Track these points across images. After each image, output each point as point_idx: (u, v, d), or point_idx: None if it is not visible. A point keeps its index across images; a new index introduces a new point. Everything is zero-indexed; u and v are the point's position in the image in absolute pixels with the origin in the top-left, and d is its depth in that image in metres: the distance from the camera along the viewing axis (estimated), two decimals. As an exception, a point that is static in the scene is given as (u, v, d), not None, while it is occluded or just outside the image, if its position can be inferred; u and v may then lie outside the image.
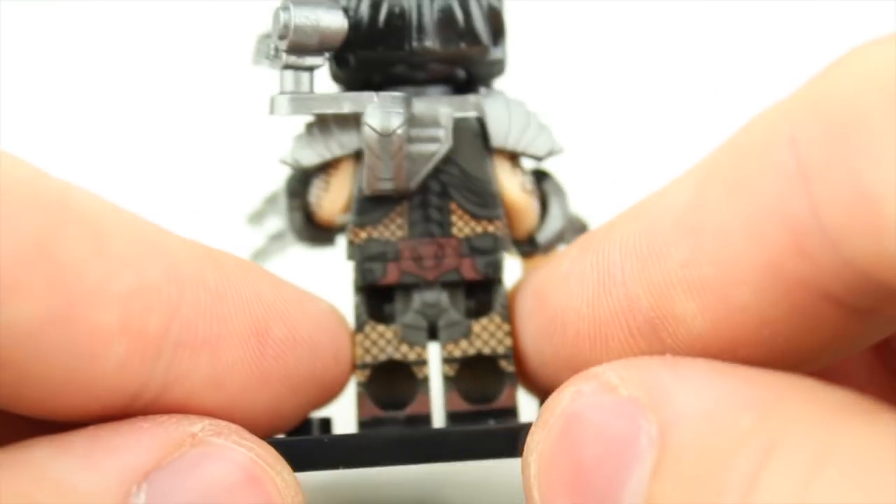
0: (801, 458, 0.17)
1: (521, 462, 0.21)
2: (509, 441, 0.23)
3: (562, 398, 0.21)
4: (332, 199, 0.26)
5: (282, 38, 0.24)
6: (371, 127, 0.24)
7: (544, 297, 0.24)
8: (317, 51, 0.24)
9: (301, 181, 0.26)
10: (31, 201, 0.19)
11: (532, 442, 0.21)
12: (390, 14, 0.25)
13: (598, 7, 0.48)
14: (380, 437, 0.23)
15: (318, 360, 0.24)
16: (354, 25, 0.25)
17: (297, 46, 0.24)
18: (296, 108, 0.24)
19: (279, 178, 0.27)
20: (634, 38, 0.48)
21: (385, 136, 0.24)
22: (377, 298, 0.26)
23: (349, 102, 0.25)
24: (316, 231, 0.27)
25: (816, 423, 0.18)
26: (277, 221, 0.29)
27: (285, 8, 0.24)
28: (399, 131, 0.24)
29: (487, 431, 0.24)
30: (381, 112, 0.24)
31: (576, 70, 0.47)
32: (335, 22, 0.24)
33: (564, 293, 0.23)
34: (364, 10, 0.25)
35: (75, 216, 0.20)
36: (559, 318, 0.23)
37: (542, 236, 0.27)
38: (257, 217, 0.31)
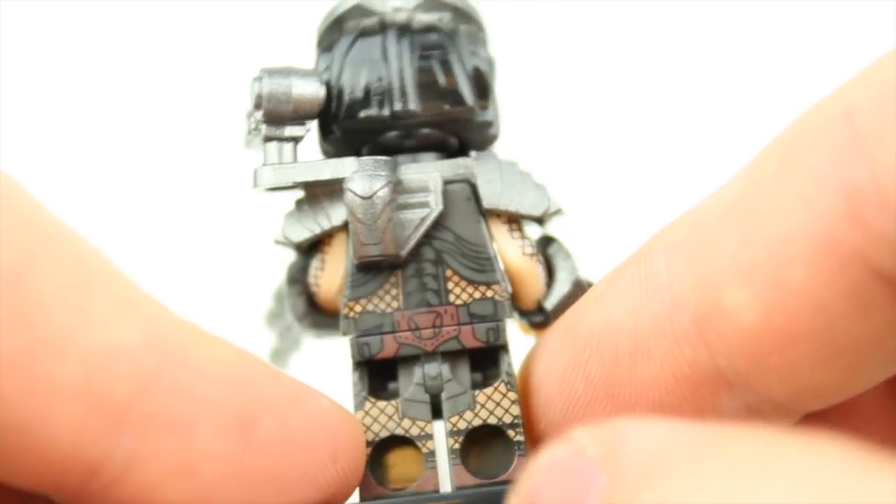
0: (727, 480, 0.16)
1: None
2: None
3: (540, 459, 0.20)
4: (328, 276, 0.25)
5: (257, 107, 0.24)
6: (352, 191, 0.23)
7: (576, 325, 0.23)
8: (294, 119, 0.24)
9: (301, 268, 0.26)
10: (15, 226, 0.18)
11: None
12: (370, 79, 0.24)
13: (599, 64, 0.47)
14: None
15: (312, 460, 0.22)
16: (337, 95, 0.24)
17: (272, 115, 0.24)
18: (277, 178, 0.24)
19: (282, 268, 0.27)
20: (638, 94, 0.47)
21: (366, 198, 0.23)
22: (379, 376, 0.24)
23: (331, 168, 0.24)
24: (320, 317, 0.26)
25: (748, 450, 0.17)
26: (289, 316, 0.28)
27: (259, 78, 0.24)
28: (381, 193, 0.23)
29: (492, 494, 0.22)
30: (362, 175, 0.23)
31: (580, 128, 0.46)
32: (309, 88, 0.24)
33: (600, 312, 0.22)
34: (345, 78, 0.24)
35: (57, 255, 0.19)
36: (594, 339, 0.22)
37: (550, 302, 0.25)
38: (273, 317, 0.30)
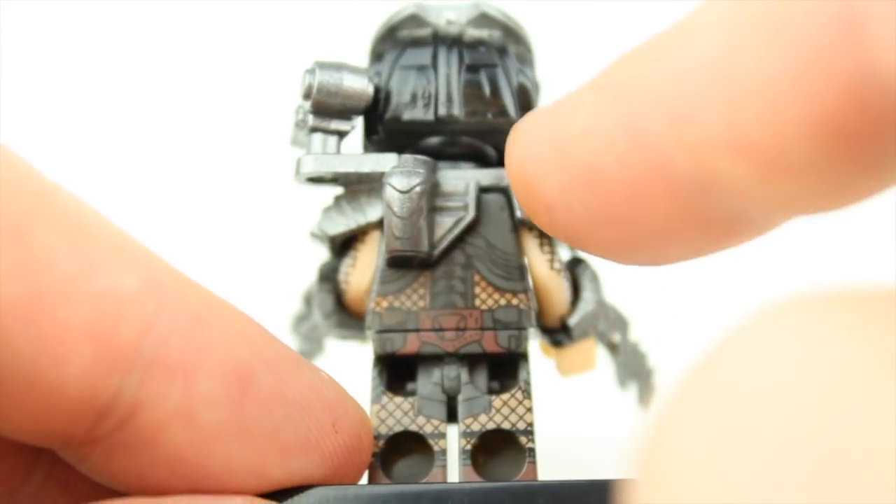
0: None
1: None
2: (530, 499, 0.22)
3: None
4: (359, 274, 0.26)
5: (306, 97, 0.25)
6: (391, 185, 0.24)
7: (563, 153, 0.21)
8: (341, 113, 0.25)
9: (332, 266, 0.26)
10: (11, 184, 0.19)
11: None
12: (417, 84, 0.25)
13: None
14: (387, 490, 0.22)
15: (311, 425, 0.22)
16: (384, 96, 0.25)
17: (320, 106, 0.25)
18: (319, 167, 0.25)
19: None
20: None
21: (404, 193, 0.24)
22: (400, 375, 0.25)
23: (371, 162, 0.25)
24: (346, 317, 0.27)
25: None
26: (316, 317, 0.29)
27: (311, 69, 0.25)
28: (418, 189, 0.24)
29: (503, 489, 0.22)
30: (401, 171, 0.24)
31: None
32: (358, 83, 0.25)
33: (586, 151, 0.21)
34: (393, 81, 0.25)
35: (55, 209, 0.19)
36: (586, 178, 0.21)
37: (574, 319, 0.26)
38: (300, 320, 0.31)
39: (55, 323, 0.19)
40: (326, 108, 0.25)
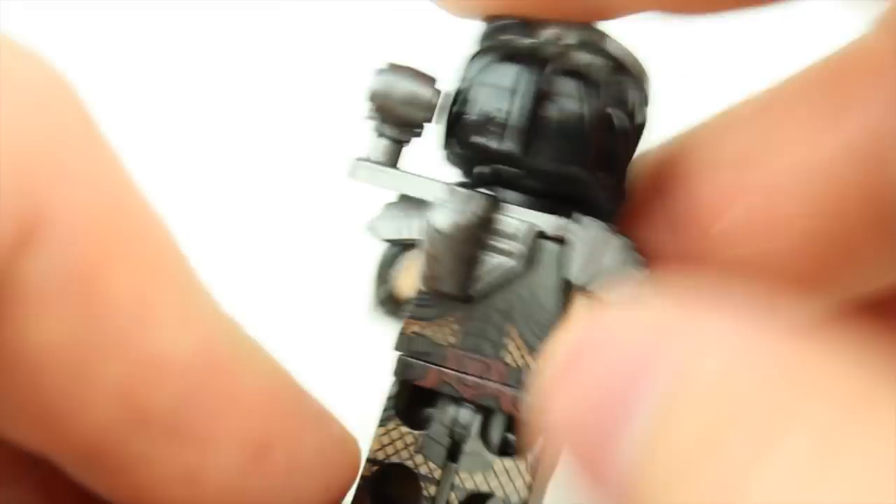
0: (811, 445, 0.14)
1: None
2: None
3: (566, 335, 0.18)
4: (408, 281, 0.24)
5: (370, 100, 0.23)
6: (431, 221, 0.22)
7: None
8: (401, 120, 0.23)
9: (389, 261, 0.25)
10: (101, 214, 0.18)
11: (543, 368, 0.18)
12: (492, 107, 0.22)
13: None
14: None
15: (310, 489, 0.21)
16: (458, 106, 0.23)
17: (380, 111, 0.23)
18: (365, 177, 0.23)
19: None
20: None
21: (442, 233, 0.22)
22: (419, 401, 0.24)
23: (420, 188, 0.23)
24: (398, 308, 0.25)
25: (840, 404, 0.15)
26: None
27: (378, 71, 0.23)
28: (459, 232, 0.22)
29: None
30: (447, 208, 0.22)
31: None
32: (422, 93, 0.23)
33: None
34: (471, 94, 0.23)
35: (135, 251, 0.18)
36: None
37: None
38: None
39: (93, 377, 0.18)
40: (385, 113, 0.23)
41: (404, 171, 0.23)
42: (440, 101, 0.23)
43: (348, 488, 0.22)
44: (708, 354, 0.16)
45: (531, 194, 0.23)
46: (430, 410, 0.23)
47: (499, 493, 0.22)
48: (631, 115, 0.23)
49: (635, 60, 0.23)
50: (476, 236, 0.22)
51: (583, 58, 0.23)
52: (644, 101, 0.23)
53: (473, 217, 0.22)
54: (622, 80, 0.23)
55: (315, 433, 0.21)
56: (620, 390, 0.16)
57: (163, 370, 0.18)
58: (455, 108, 0.23)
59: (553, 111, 0.22)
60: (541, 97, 0.22)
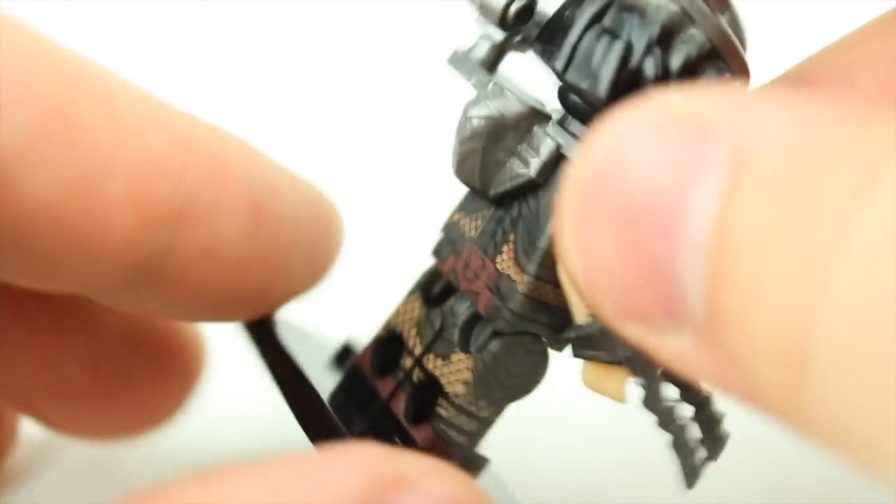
0: None
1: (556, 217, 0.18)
2: None
3: (609, 124, 0.16)
4: None
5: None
6: (463, 110, 0.23)
7: None
8: (500, 23, 0.23)
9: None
10: (48, 73, 0.20)
11: (569, 182, 0.17)
12: (589, 46, 0.22)
13: None
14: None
15: (309, 238, 0.24)
16: (560, 32, 0.23)
17: (482, 10, 0.23)
18: (460, 69, 0.23)
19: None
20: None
21: (464, 116, 0.23)
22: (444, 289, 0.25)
23: (480, 82, 0.23)
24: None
25: None
26: None
27: None
28: (476, 122, 0.23)
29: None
30: (484, 98, 0.23)
31: None
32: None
33: None
34: (574, 27, 0.22)
35: (89, 87, 0.21)
36: None
37: (570, 332, 0.23)
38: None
39: (101, 196, 0.21)
40: (487, 13, 0.23)
41: (492, 78, 0.23)
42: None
43: (338, 245, 0.25)
44: (775, 121, 0.15)
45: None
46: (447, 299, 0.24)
47: (443, 380, 0.23)
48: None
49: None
50: (503, 137, 0.23)
51: (694, 34, 0.22)
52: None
53: (499, 116, 0.22)
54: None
55: (296, 187, 0.24)
56: (672, 187, 0.15)
57: (149, 167, 0.21)
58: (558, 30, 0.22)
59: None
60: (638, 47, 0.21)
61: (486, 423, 0.23)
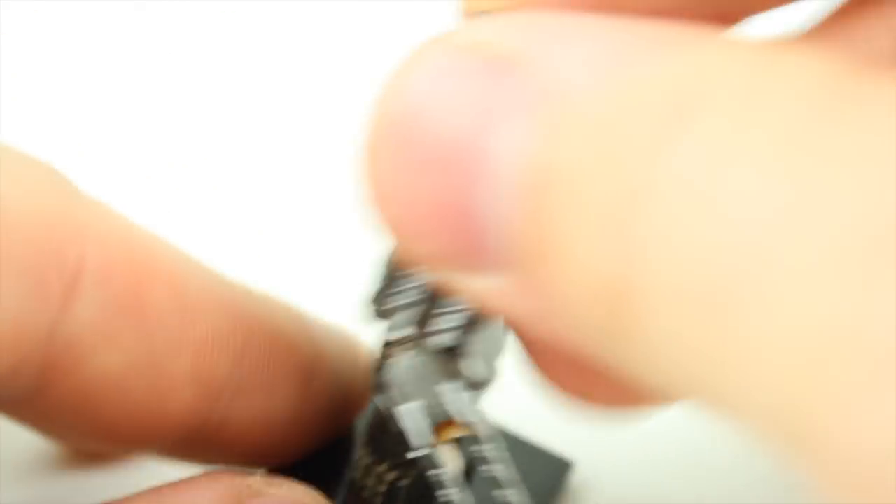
0: (740, 89, 0.13)
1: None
2: None
3: (403, 68, 0.15)
4: None
5: None
6: None
7: None
8: None
9: None
10: (125, 256, 0.21)
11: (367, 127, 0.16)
12: None
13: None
14: None
15: (345, 393, 0.25)
16: None
17: None
18: None
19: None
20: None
21: None
22: None
23: None
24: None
25: (753, 58, 0.13)
26: None
27: None
28: None
29: None
30: None
31: None
32: None
33: None
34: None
35: (160, 269, 0.22)
36: None
37: None
38: None
39: (166, 373, 0.21)
40: None
41: None
42: None
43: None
44: (588, 51, 0.14)
45: None
46: None
47: None
48: None
49: None
50: None
51: None
52: None
53: None
54: None
55: (340, 347, 0.24)
56: (476, 113, 0.14)
57: (214, 348, 0.22)
58: None
59: None
60: None
61: None
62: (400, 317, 0.21)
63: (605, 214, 0.13)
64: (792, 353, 0.12)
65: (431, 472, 0.21)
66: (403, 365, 0.21)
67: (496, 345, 0.21)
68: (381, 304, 0.21)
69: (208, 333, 0.22)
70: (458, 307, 0.20)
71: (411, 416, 0.21)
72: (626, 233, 0.13)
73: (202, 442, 0.23)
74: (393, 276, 0.21)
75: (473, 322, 0.20)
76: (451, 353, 0.20)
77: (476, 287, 0.15)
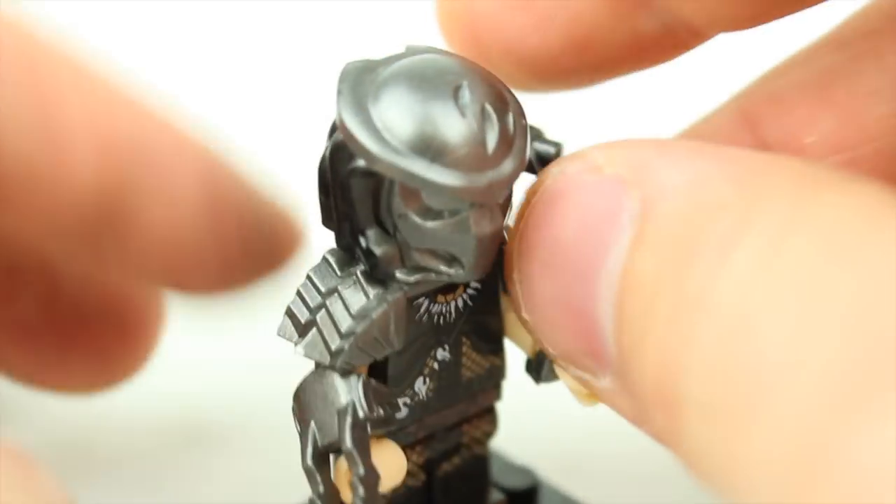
0: (773, 225, 0.16)
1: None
2: None
3: (545, 178, 0.19)
4: None
5: None
6: None
7: None
8: None
9: None
10: (21, 42, 0.22)
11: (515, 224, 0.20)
12: None
13: None
14: None
15: (269, 226, 0.25)
16: None
17: None
18: None
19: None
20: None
21: None
22: None
23: None
24: None
25: (791, 193, 0.16)
26: None
27: None
28: None
29: None
30: None
31: None
32: None
33: None
34: None
35: (66, 65, 0.23)
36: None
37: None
38: None
39: (66, 145, 0.22)
40: None
41: None
42: None
43: (292, 247, 0.26)
44: (674, 175, 0.17)
45: None
46: None
47: None
48: None
49: None
50: None
51: None
52: None
53: None
54: None
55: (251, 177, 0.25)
56: (593, 239, 0.17)
57: (117, 129, 0.23)
58: None
59: None
60: None
61: None
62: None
63: (666, 320, 0.15)
64: (778, 465, 0.14)
65: None
66: None
67: None
68: None
69: (110, 122, 0.22)
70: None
71: None
72: (679, 340, 0.15)
73: (109, 233, 0.23)
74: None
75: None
76: None
77: (597, 387, 0.18)
